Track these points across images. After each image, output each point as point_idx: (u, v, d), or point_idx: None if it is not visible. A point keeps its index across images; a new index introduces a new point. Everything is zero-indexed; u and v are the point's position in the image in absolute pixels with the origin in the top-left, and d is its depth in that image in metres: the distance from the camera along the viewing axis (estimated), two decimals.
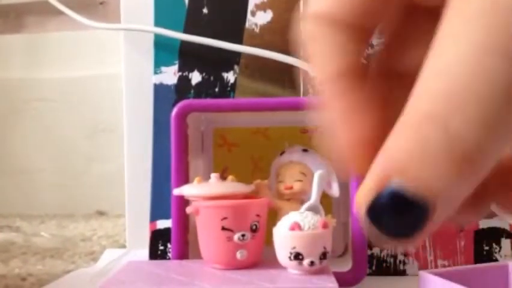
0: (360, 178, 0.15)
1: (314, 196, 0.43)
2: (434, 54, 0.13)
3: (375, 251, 0.54)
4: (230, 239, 0.43)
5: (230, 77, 0.59)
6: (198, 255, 0.47)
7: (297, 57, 0.55)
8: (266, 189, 0.48)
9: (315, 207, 0.43)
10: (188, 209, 0.45)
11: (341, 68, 0.16)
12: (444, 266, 0.53)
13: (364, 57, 0.17)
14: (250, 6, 0.58)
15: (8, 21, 1.03)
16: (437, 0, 0.14)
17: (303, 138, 0.53)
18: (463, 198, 0.14)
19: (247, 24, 0.59)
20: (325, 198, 0.45)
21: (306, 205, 0.43)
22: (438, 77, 0.13)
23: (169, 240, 0.56)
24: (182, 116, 0.50)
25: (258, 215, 0.44)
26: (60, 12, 0.70)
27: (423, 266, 0.53)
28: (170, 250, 0.56)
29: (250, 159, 0.56)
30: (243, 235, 0.43)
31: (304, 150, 0.49)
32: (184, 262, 0.48)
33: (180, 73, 0.59)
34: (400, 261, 0.54)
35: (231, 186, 0.45)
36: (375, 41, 0.18)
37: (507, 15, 0.12)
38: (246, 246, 0.43)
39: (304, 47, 0.17)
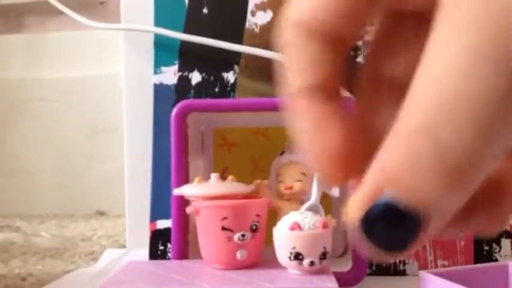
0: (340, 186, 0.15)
1: (314, 196, 0.43)
2: (425, 63, 0.13)
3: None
4: (230, 239, 0.43)
5: (230, 77, 0.59)
6: (198, 255, 0.46)
7: None
8: (266, 189, 0.48)
9: (315, 207, 0.43)
10: (188, 209, 0.45)
11: (311, 82, 0.16)
12: (444, 266, 0.53)
13: (343, 67, 0.17)
14: (250, 6, 0.58)
15: (8, 21, 1.03)
16: (423, 5, 0.14)
17: None
18: (455, 210, 0.13)
19: (247, 24, 0.59)
20: (325, 198, 0.45)
21: (306, 205, 0.43)
22: (430, 87, 0.13)
23: (169, 240, 0.56)
24: (182, 116, 0.50)
25: (258, 215, 0.44)
26: (60, 12, 0.70)
27: (423, 266, 0.53)
28: (170, 250, 0.56)
29: (250, 159, 0.56)
30: (243, 235, 0.43)
31: None
32: (184, 262, 0.48)
33: (180, 73, 0.59)
34: (400, 261, 0.54)
35: (231, 186, 0.45)
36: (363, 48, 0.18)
37: (499, 19, 0.12)
38: (246, 246, 0.43)
39: (281, 56, 0.17)
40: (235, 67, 0.59)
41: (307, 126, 0.16)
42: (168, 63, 0.59)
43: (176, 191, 0.47)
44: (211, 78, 0.59)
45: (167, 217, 0.57)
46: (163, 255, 0.57)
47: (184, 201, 0.47)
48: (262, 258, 0.45)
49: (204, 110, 0.51)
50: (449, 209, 0.13)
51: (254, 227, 0.43)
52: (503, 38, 0.12)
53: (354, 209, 0.14)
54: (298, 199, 0.47)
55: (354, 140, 0.16)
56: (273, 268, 0.42)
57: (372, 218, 0.14)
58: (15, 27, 1.03)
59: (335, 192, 0.46)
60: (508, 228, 0.54)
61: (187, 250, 0.49)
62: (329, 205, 0.50)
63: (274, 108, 0.49)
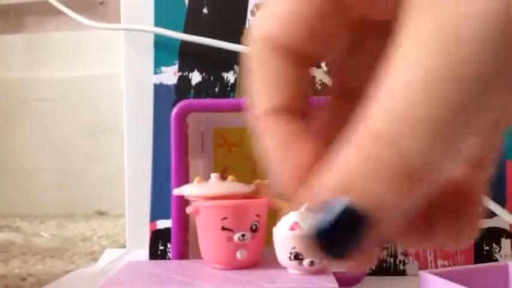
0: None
1: None
2: (388, 75, 0.13)
3: (375, 251, 0.54)
4: (230, 239, 0.43)
5: (230, 77, 0.59)
6: (198, 255, 0.47)
7: None
8: (266, 189, 0.48)
9: None
10: (188, 209, 0.45)
11: (276, 103, 0.16)
12: (444, 266, 0.53)
13: (309, 84, 0.17)
14: (250, 6, 0.58)
15: (8, 21, 1.03)
16: (385, 16, 0.14)
17: None
18: (407, 215, 0.14)
19: (247, 24, 0.59)
20: None
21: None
22: (392, 99, 0.13)
23: (169, 240, 0.56)
24: (182, 116, 0.50)
25: (258, 215, 0.44)
26: (60, 12, 0.70)
27: (423, 266, 0.53)
28: (170, 250, 0.56)
29: (250, 159, 0.55)
30: (243, 235, 0.43)
31: None
32: (184, 262, 0.48)
33: (180, 73, 0.59)
34: (400, 261, 0.54)
35: (231, 186, 0.45)
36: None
37: (458, 40, 0.12)
38: (246, 246, 0.43)
39: (248, 72, 0.17)
40: (235, 67, 0.59)
41: (275, 146, 0.16)
42: (168, 63, 0.59)
43: (176, 191, 0.47)
44: (211, 78, 0.59)
45: (167, 217, 0.57)
46: (163, 255, 0.57)
47: (184, 201, 0.47)
48: (262, 258, 0.45)
49: (204, 110, 0.51)
50: (401, 213, 0.14)
51: (254, 227, 0.43)
52: (462, 59, 0.12)
53: (305, 211, 0.14)
54: None
55: (323, 155, 0.16)
56: (273, 268, 0.42)
57: (324, 222, 0.14)
58: (15, 27, 1.03)
59: None
60: (507, 228, 0.54)
61: (187, 250, 0.49)
62: None
63: None
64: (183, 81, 0.59)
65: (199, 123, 0.55)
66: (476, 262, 0.53)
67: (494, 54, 0.12)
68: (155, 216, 0.58)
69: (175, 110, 0.50)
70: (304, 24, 0.16)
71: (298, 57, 0.16)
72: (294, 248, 0.40)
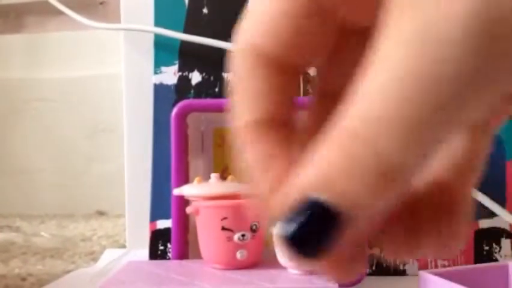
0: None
1: None
2: (366, 77, 0.13)
3: (375, 251, 0.54)
4: (230, 239, 0.43)
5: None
6: (198, 255, 0.47)
7: None
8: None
9: None
10: (188, 209, 0.45)
11: (257, 116, 0.16)
12: (444, 266, 0.53)
13: (293, 94, 0.17)
14: None
15: (8, 21, 1.03)
16: (369, 20, 0.14)
17: None
18: (381, 214, 0.14)
19: None
20: None
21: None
22: (370, 98, 0.13)
23: (169, 240, 0.56)
24: (182, 116, 0.50)
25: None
26: (60, 12, 0.70)
27: (423, 266, 0.53)
28: (170, 250, 0.56)
29: None
30: (243, 235, 0.43)
31: None
32: (184, 262, 0.48)
33: (180, 73, 0.59)
34: (400, 261, 0.54)
35: (231, 186, 0.45)
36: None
37: (439, 40, 0.12)
38: (246, 246, 0.43)
39: (231, 82, 0.17)
40: None
41: (255, 159, 0.16)
42: (168, 63, 0.59)
43: (176, 191, 0.47)
44: (211, 78, 0.59)
45: (167, 217, 0.57)
46: (163, 255, 0.57)
47: (184, 201, 0.47)
48: (262, 258, 0.45)
49: (204, 110, 0.51)
50: (374, 211, 0.13)
51: (254, 227, 0.43)
52: (439, 61, 0.12)
53: (277, 210, 0.14)
54: None
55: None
56: (273, 268, 0.42)
57: (296, 219, 0.14)
58: (15, 27, 1.03)
59: None
60: (507, 228, 0.54)
61: (187, 250, 0.49)
62: None
63: None
64: (183, 81, 0.59)
65: (199, 123, 0.55)
66: (476, 262, 0.53)
67: (474, 54, 0.12)
68: (155, 216, 0.58)
69: (175, 110, 0.50)
70: (287, 31, 0.16)
71: (283, 65, 0.16)
72: None
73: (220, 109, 0.51)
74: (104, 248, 0.69)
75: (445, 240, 0.16)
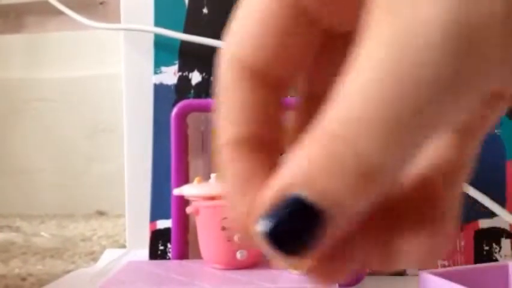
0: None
1: None
2: (347, 78, 0.13)
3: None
4: (230, 239, 0.43)
5: None
6: (198, 255, 0.47)
7: None
8: None
9: None
10: (189, 209, 0.45)
11: (239, 134, 0.16)
12: (444, 266, 0.53)
13: (278, 107, 0.17)
14: None
15: (8, 21, 1.03)
16: (351, 26, 0.14)
17: None
18: (359, 213, 0.14)
19: None
20: None
21: None
22: (350, 98, 0.13)
23: (169, 240, 0.56)
24: (182, 116, 0.50)
25: None
26: (60, 12, 0.70)
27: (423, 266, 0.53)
28: (170, 250, 0.56)
29: None
30: None
31: None
32: (184, 262, 0.48)
33: (180, 73, 0.59)
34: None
35: None
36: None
37: (417, 45, 0.12)
38: (246, 246, 0.43)
39: (216, 96, 0.17)
40: None
41: (234, 179, 0.16)
42: (168, 63, 0.59)
43: (176, 191, 0.47)
44: (211, 78, 0.59)
45: (167, 217, 0.57)
46: (163, 255, 0.57)
47: (184, 201, 0.47)
48: (262, 258, 0.45)
49: (204, 110, 0.51)
50: (354, 210, 0.14)
51: None
52: (418, 62, 0.12)
53: (258, 208, 0.14)
54: None
55: None
56: (273, 268, 0.42)
57: (276, 216, 0.14)
58: (15, 27, 1.03)
59: None
60: (507, 228, 0.54)
61: (187, 250, 0.49)
62: None
63: None
64: (183, 81, 0.59)
65: (199, 123, 0.55)
66: (476, 262, 0.53)
67: (453, 58, 0.12)
68: (155, 216, 0.58)
69: (175, 110, 0.50)
70: (271, 42, 0.16)
71: (267, 78, 0.16)
72: None
73: None
74: (104, 248, 0.69)
75: (428, 238, 0.16)
